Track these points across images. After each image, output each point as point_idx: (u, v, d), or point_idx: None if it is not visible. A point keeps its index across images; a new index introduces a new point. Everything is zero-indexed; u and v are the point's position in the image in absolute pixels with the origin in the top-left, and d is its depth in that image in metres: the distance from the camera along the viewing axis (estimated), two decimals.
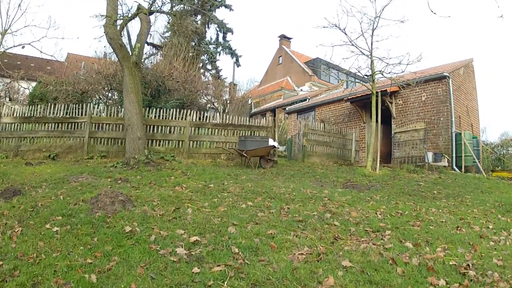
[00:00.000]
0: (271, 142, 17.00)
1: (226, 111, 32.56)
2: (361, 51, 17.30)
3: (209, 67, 39.86)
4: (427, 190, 12.82)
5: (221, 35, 40.13)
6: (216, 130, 19.00)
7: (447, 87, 20.29)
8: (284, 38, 53.64)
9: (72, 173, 12.52)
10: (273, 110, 35.68)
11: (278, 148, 17.70)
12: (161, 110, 18.49)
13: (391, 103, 22.15)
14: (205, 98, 31.16)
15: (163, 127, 18.21)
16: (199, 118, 18.86)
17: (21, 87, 28.59)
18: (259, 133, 19.41)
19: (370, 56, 17.05)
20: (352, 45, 17.35)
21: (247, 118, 19.97)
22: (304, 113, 28.62)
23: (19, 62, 35.06)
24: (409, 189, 12.91)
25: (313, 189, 11.79)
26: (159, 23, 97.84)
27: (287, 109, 30.54)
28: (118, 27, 16.26)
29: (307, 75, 46.57)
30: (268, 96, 41.96)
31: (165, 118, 18.39)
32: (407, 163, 20.35)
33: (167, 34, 38.23)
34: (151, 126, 17.98)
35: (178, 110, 18.77)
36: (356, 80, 19.50)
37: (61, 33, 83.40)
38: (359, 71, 17.13)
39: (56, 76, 22.49)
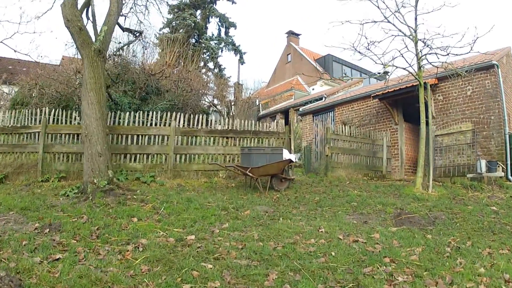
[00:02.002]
0: (286, 155, 12.42)
1: (231, 114, 28.42)
2: (399, 29, 12.55)
3: (211, 65, 35.88)
4: None
5: (223, 30, 36.55)
6: (212, 138, 14.48)
7: (496, 78, 15.75)
8: (292, 35, 49.14)
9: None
10: (284, 112, 31.14)
11: (296, 161, 13.00)
12: (139, 114, 14.12)
13: (429, 99, 17.39)
14: (206, 99, 26.95)
15: (141, 136, 13.79)
16: (189, 123, 14.38)
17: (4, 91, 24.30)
18: (269, 141, 14.88)
19: (414, 34, 12.32)
20: (388, 21, 12.59)
21: (254, 122, 15.51)
22: (321, 114, 23.83)
23: (10, 67, 30.59)
24: (488, 221, 8.89)
25: (356, 231, 8.08)
26: (156, 18, 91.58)
27: (300, 109, 25.66)
28: (79, 7, 12.32)
29: (319, 73, 41.71)
30: (277, 97, 37.37)
31: (144, 124, 13.96)
32: (452, 173, 16.02)
33: (166, 31, 34.10)
34: (123, 136, 13.65)
35: (162, 113, 14.46)
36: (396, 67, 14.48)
37: (34, 27, 76.73)
38: (401, 55, 12.31)
39: (31, 78, 18.00)
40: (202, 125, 14.45)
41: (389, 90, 17.24)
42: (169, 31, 34.12)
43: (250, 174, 11.76)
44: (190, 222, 8.17)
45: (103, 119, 11.49)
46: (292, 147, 14.45)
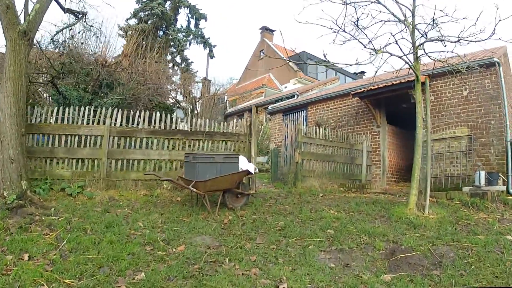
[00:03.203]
0: (243, 164, 9.75)
1: (195, 111, 25.93)
2: (391, 12, 9.89)
3: (178, 60, 33.17)
4: None
5: (193, 22, 34.61)
6: (156, 140, 11.73)
7: (497, 78, 13.34)
8: (267, 31, 46.61)
9: None
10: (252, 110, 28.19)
11: (257, 172, 10.26)
12: (69, 109, 11.23)
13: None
14: (170, 95, 24.31)
15: (70, 136, 10.98)
16: (127, 121, 11.68)
17: None
18: (227, 145, 12.31)
19: (411, 17, 9.73)
20: (378, 1, 9.84)
21: (210, 121, 12.79)
22: (293, 113, 21.02)
23: None
24: (511, 260, 6.56)
25: (335, 283, 5.77)
26: (122, 7, 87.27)
27: (269, 108, 22.85)
28: None
29: (292, 70, 39.75)
30: (246, 94, 34.75)
31: (74, 123, 11.18)
32: (444, 185, 13.54)
33: (133, 22, 31.55)
34: (49, 136, 10.91)
35: (107, 109, 11.73)
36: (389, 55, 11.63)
37: None
38: (395, 41, 9.53)
39: None
40: (143, 122, 11.74)
41: (372, 88, 14.67)
42: (136, 22, 31.67)
43: (194, 190, 9.04)
44: (93, 268, 5.69)
45: (19, 116, 9.01)
46: (253, 153, 11.72)
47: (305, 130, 13.89)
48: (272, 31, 46.99)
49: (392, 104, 15.83)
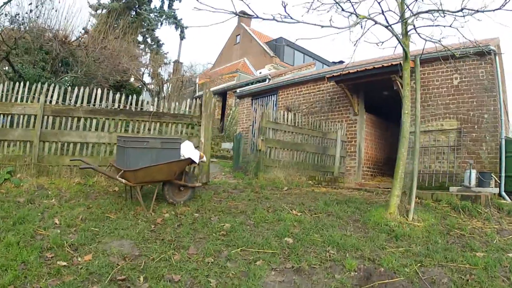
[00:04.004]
0: (186, 151, 7.78)
1: (164, 94, 24.03)
2: None
3: (150, 41, 31.16)
4: None
5: (166, 2, 31.85)
6: (95, 121, 9.84)
7: (493, 68, 11.71)
8: (245, 15, 43.91)
9: None
10: (222, 94, 27.46)
11: (203, 161, 8.34)
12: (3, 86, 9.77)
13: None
14: (136, 76, 22.55)
15: (2, 115, 9.49)
16: (64, 100, 9.93)
17: None
18: (178, 128, 10.38)
19: None
20: None
21: (158, 100, 11.04)
22: (262, 97, 19.10)
23: None
24: None
25: None
26: None
27: (238, 91, 20.91)
28: None
29: (268, 56, 37.84)
30: (217, 77, 32.74)
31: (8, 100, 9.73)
32: (428, 183, 11.95)
33: (106, 1, 29.37)
34: None
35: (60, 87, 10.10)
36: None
37: None
38: (382, 11, 7.57)
39: None
40: (82, 100, 9.94)
41: (351, 71, 12.92)
42: (109, 1, 29.32)
43: (123, 181, 7.14)
44: None
45: None
46: (203, 138, 9.72)
47: (272, 115, 11.96)
48: (250, 15, 44.73)
49: (372, 91, 14.12)
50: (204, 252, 5.51)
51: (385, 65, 12.13)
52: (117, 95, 10.21)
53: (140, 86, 23.22)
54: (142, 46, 31.08)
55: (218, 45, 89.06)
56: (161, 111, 10.27)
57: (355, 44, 7.97)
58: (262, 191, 9.55)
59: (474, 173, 10.36)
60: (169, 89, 25.58)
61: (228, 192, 9.21)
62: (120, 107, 10.03)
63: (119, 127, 9.94)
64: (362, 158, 13.86)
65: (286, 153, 12.22)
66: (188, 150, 7.74)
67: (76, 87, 9.96)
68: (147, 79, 26.45)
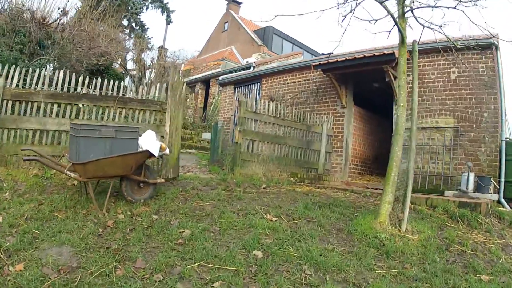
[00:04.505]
0: (145, 142, 6.62)
1: (146, 81, 22.81)
2: None
3: (135, 25, 29.90)
4: None
5: None
6: (56, 106, 8.69)
7: (494, 63, 10.70)
8: (233, 2, 43.17)
9: None
10: (205, 82, 26.34)
11: (166, 154, 7.22)
12: None
13: (396, 78, 12.03)
14: (116, 61, 21.37)
15: None
16: (25, 83, 8.90)
17: None
18: (145, 115, 9.21)
19: None
20: None
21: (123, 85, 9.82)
22: (245, 86, 17.81)
23: None
24: None
25: None
26: None
27: (220, 78, 19.59)
28: None
29: (256, 45, 36.75)
30: (202, 65, 31.52)
31: None
32: (421, 185, 10.85)
33: None
34: None
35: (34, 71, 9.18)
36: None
37: None
38: None
39: None
40: (43, 83, 8.91)
41: (339, 59, 11.84)
42: None
43: (71, 175, 6.14)
44: None
45: None
46: (168, 128, 8.51)
47: (251, 104, 10.82)
48: (239, 3, 43.77)
49: (362, 82, 13.13)
50: (154, 267, 4.47)
51: (376, 54, 11.05)
52: (80, 78, 9.07)
53: (123, 72, 21.98)
54: (127, 31, 29.51)
55: (206, 33, 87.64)
56: (127, 96, 9.14)
57: (343, 20, 6.93)
58: (236, 189, 8.46)
59: (472, 177, 9.39)
60: (152, 75, 24.47)
61: (197, 189, 8.07)
62: (83, 91, 8.90)
63: (81, 113, 8.82)
64: (349, 155, 12.79)
65: (267, 147, 11.10)
66: (147, 141, 6.62)
67: (38, 69, 8.87)
68: (131, 65, 25.26)
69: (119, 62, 22.48)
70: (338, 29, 20.92)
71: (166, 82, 24.73)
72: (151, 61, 25.84)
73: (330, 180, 11.67)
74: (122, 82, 9.96)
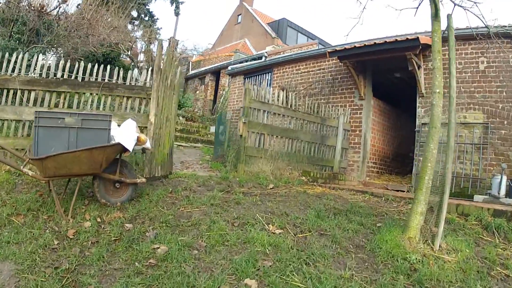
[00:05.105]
0: (118, 133, 5.39)
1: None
2: None
3: (144, 16, 28.83)
4: None
5: None
6: (33, 93, 7.55)
7: None
8: None
9: None
10: (215, 73, 24.80)
11: (148, 148, 5.92)
12: None
13: (419, 68, 10.65)
14: (123, 52, 20.55)
15: None
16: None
17: None
18: (134, 103, 7.98)
19: None
20: None
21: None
22: (256, 75, 16.53)
23: None
24: None
25: None
26: None
27: (229, 68, 18.27)
28: None
29: (270, 37, 35.45)
30: (214, 57, 30.29)
31: None
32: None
33: None
34: None
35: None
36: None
37: None
38: None
39: None
40: (20, 69, 7.67)
41: (357, 45, 10.56)
42: None
43: (29, 173, 5.06)
44: None
45: None
46: (152, 116, 7.15)
47: (258, 92, 9.51)
48: None
49: (382, 72, 11.82)
50: None
51: (399, 39, 9.74)
52: (61, 62, 7.84)
53: (133, 64, 21.19)
54: (136, 22, 28.55)
55: (219, 26, 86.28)
56: (113, 81, 7.87)
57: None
58: (237, 189, 7.17)
59: (505, 180, 8.03)
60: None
61: (190, 190, 6.78)
62: (64, 77, 7.67)
63: (61, 101, 7.59)
64: (367, 152, 11.43)
65: (276, 141, 9.79)
66: (123, 132, 5.35)
67: (15, 53, 7.66)
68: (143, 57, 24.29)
69: (127, 53, 21.55)
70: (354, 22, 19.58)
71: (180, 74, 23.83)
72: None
73: (346, 180, 10.36)
74: (129, 72, 8.72)
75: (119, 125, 5.68)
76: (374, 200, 7.74)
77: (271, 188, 7.83)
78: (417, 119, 10.53)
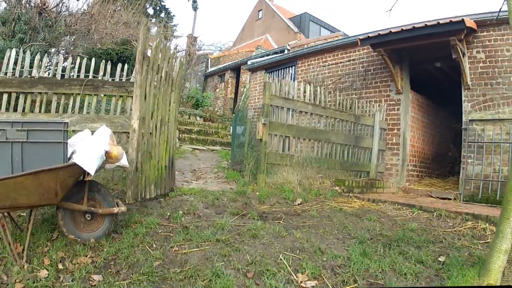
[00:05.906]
0: (79, 148, 3.81)
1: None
2: None
3: (162, 15, 27.70)
4: None
5: None
6: (6, 96, 6.27)
7: None
8: None
9: None
10: (236, 70, 23.34)
11: (124, 166, 4.33)
12: None
13: (464, 56, 9.00)
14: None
15: None
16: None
17: None
18: (125, 104, 6.70)
19: None
20: None
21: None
22: (278, 70, 14.87)
23: None
24: None
25: None
26: None
27: (249, 63, 16.61)
28: None
29: (292, 32, 34.10)
30: (234, 53, 28.99)
31: None
32: (499, 193, 7.78)
33: None
34: None
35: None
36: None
37: None
38: None
39: None
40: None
41: (393, 31, 9.01)
42: None
43: None
44: None
45: None
46: (135, 120, 5.33)
47: (280, 87, 7.96)
48: None
49: (420, 61, 10.16)
50: None
51: (441, 22, 8.19)
52: (37, 57, 6.44)
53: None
54: (153, 20, 27.23)
55: (240, 21, 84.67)
56: (99, 78, 6.39)
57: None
58: (257, 208, 5.65)
59: None
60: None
61: (194, 214, 5.18)
62: (41, 75, 6.27)
63: (37, 103, 6.17)
64: (407, 153, 9.75)
65: (303, 145, 8.26)
66: (85, 145, 3.80)
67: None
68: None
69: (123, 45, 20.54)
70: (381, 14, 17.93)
71: (197, 72, 22.36)
72: (175, 48, 23.67)
73: (384, 187, 8.78)
74: (120, 64, 7.30)
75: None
76: (424, 217, 6.12)
77: (299, 204, 6.35)
78: (463, 115, 8.86)
